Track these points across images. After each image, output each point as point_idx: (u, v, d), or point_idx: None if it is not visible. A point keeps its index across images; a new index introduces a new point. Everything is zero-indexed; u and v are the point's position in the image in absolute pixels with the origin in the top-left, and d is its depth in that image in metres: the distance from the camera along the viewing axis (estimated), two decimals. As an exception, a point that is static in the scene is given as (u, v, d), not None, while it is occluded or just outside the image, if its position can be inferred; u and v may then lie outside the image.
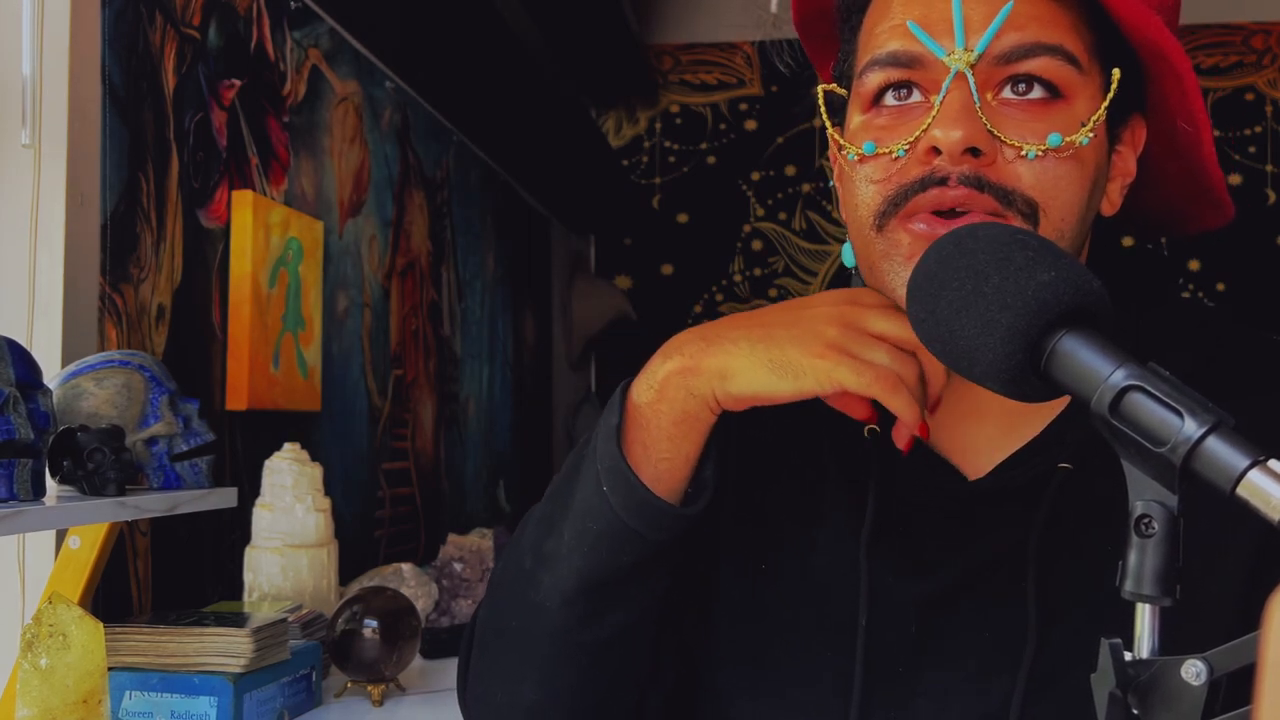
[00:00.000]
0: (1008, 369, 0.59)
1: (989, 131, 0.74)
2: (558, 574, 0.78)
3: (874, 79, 0.79)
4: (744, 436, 0.89)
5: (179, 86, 1.59)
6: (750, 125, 3.84)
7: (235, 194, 1.71)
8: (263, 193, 1.81)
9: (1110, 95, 0.75)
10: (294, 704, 1.34)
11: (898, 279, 0.77)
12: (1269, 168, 3.55)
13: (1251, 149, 3.55)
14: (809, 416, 0.88)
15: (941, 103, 0.74)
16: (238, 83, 1.74)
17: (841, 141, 0.81)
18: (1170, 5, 0.80)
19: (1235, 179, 3.54)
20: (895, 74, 0.78)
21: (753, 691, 0.84)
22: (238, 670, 1.22)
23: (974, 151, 0.74)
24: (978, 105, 0.74)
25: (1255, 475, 0.49)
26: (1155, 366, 0.54)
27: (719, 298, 3.83)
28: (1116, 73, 0.76)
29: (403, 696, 1.47)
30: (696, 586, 0.87)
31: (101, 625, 1.05)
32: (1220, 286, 3.55)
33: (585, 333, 3.76)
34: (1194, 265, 3.56)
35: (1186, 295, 3.54)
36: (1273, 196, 3.54)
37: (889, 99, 0.78)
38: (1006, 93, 0.76)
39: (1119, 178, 0.82)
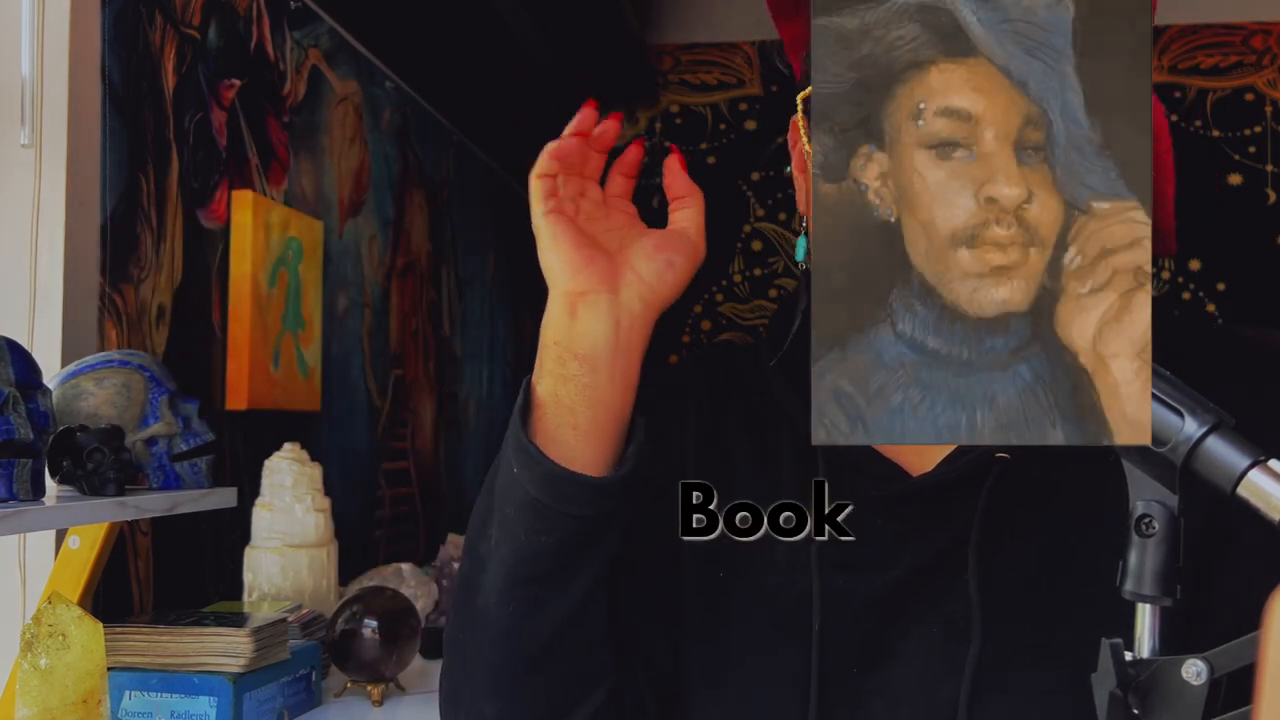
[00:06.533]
0: (1008, 370, 0.59)
1: None
2: (490, 570, 0.80)
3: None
4: (701, 452, 0.90)
5: (179, 86, 1.59)
6: (750, 125, 3.84)
7: (235, 194, 1.71)
8: (262, 193, 1.81)
9: None
10: (294, 704, 1.34)
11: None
12: (1269, 168, 3.55)
13: (1251, 149, 3.55)
14: (771, 420, 0.89)
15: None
16: (238, 83, 1.74)
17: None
18: None
19: (1235, 179, 3.54)
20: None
21: (713, 695, 0.85)
22: (237, 670, 1.22)
23: None
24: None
25: (1255, 475, 0.49)
26: (1156, 367, 0.54)
27: (719, 298, 3.82)
28: None
29: (402, 696, 1.47)
30: (658, 591, 0.88)
31: (101, 625, 1.05)
32: (1220, 286, 3.54)
33: (585, 333, 3.76)
34: (1194, 265, 3.56)
35: (1187, 295, 3.54)
36: (1273, 196, 3.54)
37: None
38: None
39: None
